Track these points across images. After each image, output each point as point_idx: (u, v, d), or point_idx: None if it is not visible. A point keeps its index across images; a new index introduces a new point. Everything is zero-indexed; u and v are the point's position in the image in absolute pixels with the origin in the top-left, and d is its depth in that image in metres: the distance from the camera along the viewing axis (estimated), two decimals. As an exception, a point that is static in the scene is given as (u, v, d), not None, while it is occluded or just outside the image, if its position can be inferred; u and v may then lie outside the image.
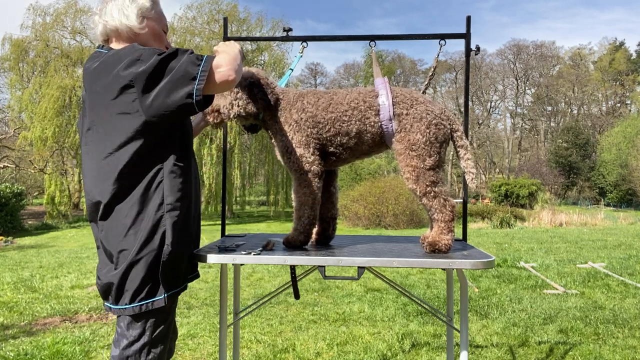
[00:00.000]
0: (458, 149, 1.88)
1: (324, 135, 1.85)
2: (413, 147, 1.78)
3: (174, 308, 1.72)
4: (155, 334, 1.58)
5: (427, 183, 1.78)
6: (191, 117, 1.85)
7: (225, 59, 1.52)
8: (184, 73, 1.47)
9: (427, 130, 1.78)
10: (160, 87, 1.48)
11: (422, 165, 1.77)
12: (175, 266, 1.60)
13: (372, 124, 1.83)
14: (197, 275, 1.86)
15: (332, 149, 1.88)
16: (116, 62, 1.53)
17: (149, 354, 1.57)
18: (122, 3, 1.67)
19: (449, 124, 1.84)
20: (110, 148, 1.56)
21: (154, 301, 1.56)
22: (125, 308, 1.56)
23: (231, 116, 1.89)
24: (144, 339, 1.56)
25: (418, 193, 1.80)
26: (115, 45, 1.69)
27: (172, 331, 1.82)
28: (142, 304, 1.55)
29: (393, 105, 1.82)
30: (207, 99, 1.55)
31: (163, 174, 1.58)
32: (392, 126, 1.82)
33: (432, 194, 1.79)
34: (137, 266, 1.54)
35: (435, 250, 1.81)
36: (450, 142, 1.88)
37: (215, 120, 1.92)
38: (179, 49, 1.54)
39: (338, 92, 1.90)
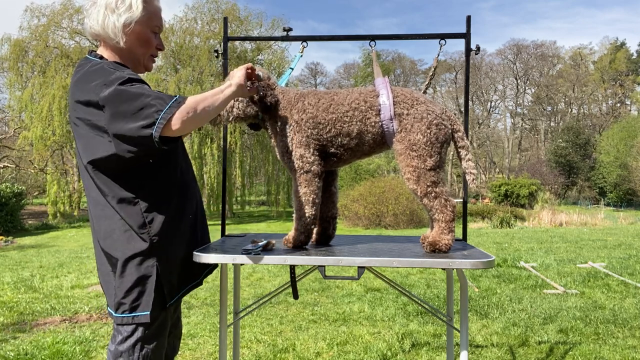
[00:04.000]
0: (459, 150, 1.87)
1: (325, 136, 1.84)
2: (414, 147, 1.77)
3: (172, 306, 1.72)
4: (148, 330, 1.59)
5: (428, 183, 1.77)
6: None
7: (184, 112, 1.46)
8: (144, 118, 1.43)
9: (428, 131, 1.77)
10: (117, 119, 1.45)
11: (423, 166, 1.76)
12: (163, 280, 1.60)
13: (373, 124, 1.82)
14: (199, 283, 1.85)
15: (332, 150, 1.87)
16: (89, 81, 1.51)
17: (142, 350, 1.59)
18: (105, 8, 1.58)
19: (450, 124, 1.84)
20: (90, 159, 1.56)
21: (135, 316, 1.56)
22: (113, 314, 1.60)
23: (230, 119, 1.89)
24: (137, 334, 1.58)
25: (419, 193, 1.79)
26: (102, 49, 1.67)
27: (172, 326, 1.83)
28: (124, 316, 1.56)
29: (394, 104, 1.81)
30: (172, 139, 1.51)
31: (142, 187, 1.58)
32: (392, 126, 1.81)
33: (433, 195, 1.78)
34: (122, 278, 1.56)
35: (435, 250, 1.80)
36: (452, 142, 1.88)
37: (214, 121, 1.91)
38: (143, 84, 1.51)
39: (338, 92, 1.89)
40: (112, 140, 1.49)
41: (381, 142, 1.87)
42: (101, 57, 1.65)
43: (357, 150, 1.88)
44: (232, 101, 1.87)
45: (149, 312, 1.55)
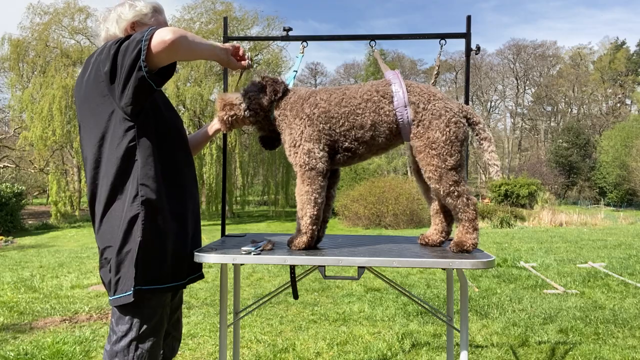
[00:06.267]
0: (482, 142, 1.85)
1: (338, 130, 1.82)
2: (433, 145, 1.75)
3: (166, 303, 1.71)
4: (142, 330, 1.60)
5: (450, 182, 1.76)
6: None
7: (167, 28, 1.49)
8: (132, 51, 1.48)
9: (447, 129, 1.74)
10: (118, 74, 1.52)
11: (444, 165, 1.74)
12: (147, 260, 1.58)
13: (387, 112, 1.79)
14: (185, 284, 1.79)
15: (347, 144, 1.84)
16: (91, 59, 1.63)
17: (137, 350, 1.59)
18: (120, 12, 1.73)
19: (470, 116, 1.83)
20: (93, 141, 1.62)
21: (121, 297, 1.56)
22: (112, 298, 1.60)
23: (242, 109, 1.87)
24: (131, 334, 1.59)
25: (442, 193, 1.78)
26: None
27: (172, 328, 1.82)
28: (115, 298, 1.58)
29: (407, 92, 1.78)
30: (162, 75, 1.56)
31: (138, 165, 1.60)
32: (407, 114, 1.78)
33: (455, 194, 1.77)
34: (116, 259, 1.58)
35: (462, 250, 1.79)
36: (473, 135, 1.87)
37: (228, 114, 1.87)
38: (132, 34, 1.57)
39: (350, 87, 1.87)
40: (114, 98, 1.56)
41: (397, 132, 1.83)
42: None
43: (372, 143, 1.84)
44: (244, 91, 1.88)
45: (131, 291, 1.55)
